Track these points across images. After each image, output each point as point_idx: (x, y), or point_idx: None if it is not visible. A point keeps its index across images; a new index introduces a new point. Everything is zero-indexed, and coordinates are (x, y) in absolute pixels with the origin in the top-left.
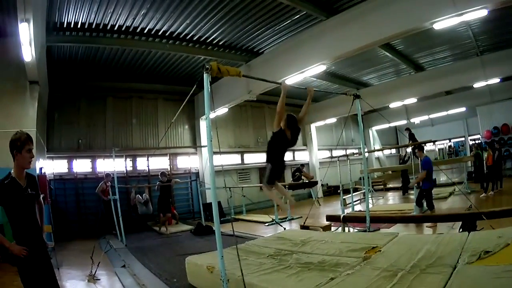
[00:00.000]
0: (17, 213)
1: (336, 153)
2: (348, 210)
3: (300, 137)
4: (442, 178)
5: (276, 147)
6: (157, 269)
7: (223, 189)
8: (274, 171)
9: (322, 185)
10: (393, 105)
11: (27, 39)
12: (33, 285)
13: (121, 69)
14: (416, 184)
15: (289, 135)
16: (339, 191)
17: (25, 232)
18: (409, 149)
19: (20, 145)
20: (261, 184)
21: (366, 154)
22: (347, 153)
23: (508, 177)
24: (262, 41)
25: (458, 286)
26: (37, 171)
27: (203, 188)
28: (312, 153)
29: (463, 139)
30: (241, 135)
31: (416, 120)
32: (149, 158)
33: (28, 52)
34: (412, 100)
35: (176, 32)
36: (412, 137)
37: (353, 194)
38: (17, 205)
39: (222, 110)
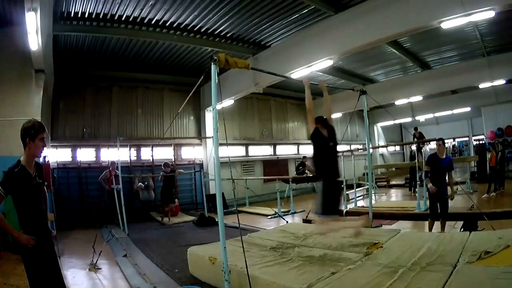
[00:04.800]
0: (26, 202)
1: (341, 148)
2: (351, 206)
3: (305, 131)
4: None
5: (321, 149)
6: (159, 259)
7: (227, 181)
8: (329, 190)
9: None
10: (399, 102)
11: (33, 28)
12: (37, 274)
13: (128, 59)
14: None
15: (325, 133)
16: (342, 186)
17: (32, 221)
18: (413, 147)
19: (34, 133)
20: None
21: (371, 150)
22: (352, 148)
23: (511, 179)
24: (270, 34)
25: (458, 285)
26: (41, 160)
27: (206, 179)
28: None
29: (467, 138)
30: (246, 127)
31: (421, 118)
32: (154, 148)
33: (34, 41)
34: (417, 98)
35: (184, 24)
36: (420, 135)
37: (357, 189)
38: (26, 194)
39: (228, 102)
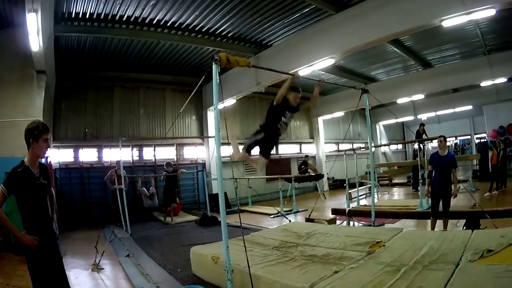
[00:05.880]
0: (29, 202)
1: (343, 147)
2: (353, 204)
3: (307, 130)
4: None
5: (276, 117)
6: (162, 259)
7: (229, 180)
8: (266, 141)
9: (328, 178)
10: (401, 101)
11: (34, 29)
12: (40, 275)
13: (129, 60)
14: None
15: (292, 101)
16: (345, 185)
17: (36, 221)
18: (416, 145)
19: (38, 134)
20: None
21: (373, 149)
22: (354, 147)
23: None
24: (271, 34)
25: (460, 283)
26: (43, 160)
27: (209, 179)
28: (319, 146)
29: (469, 137)
30: (248, 127)
31: (423, 116)
32: (156, 148)
33: (35, 42)
34: (419, 97)
35: (185, 24)
36: (424, 132)
37: (359, 188)
38: (30, 194)
39: (230, 102)
